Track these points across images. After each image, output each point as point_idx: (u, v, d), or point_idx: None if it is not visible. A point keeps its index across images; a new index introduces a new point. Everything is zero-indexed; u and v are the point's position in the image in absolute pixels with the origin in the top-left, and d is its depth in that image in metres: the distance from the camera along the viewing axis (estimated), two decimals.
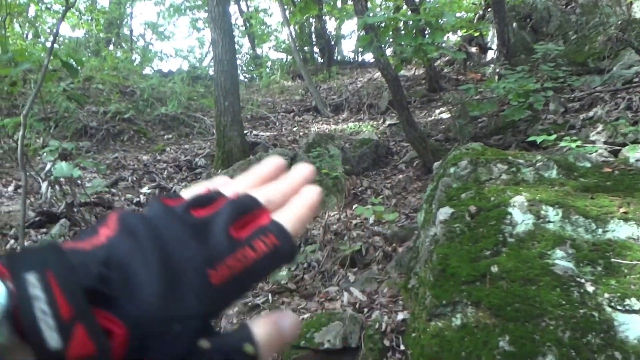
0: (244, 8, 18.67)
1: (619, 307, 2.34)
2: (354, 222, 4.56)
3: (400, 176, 5.80)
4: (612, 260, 2.47)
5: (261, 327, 0.34)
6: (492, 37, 9.71)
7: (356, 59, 17.25)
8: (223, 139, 6.98)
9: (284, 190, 0.40)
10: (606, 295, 2.38)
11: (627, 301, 2.33)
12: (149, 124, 9.03)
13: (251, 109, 10.53)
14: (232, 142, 6.94)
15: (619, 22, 7.14)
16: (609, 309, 2.36)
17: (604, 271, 2.48)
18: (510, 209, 2.84)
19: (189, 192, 0.39)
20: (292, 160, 5.78)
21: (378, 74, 11.40)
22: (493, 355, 2.35)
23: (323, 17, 15.61)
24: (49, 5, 14.17)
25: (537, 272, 2.54)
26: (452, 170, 3.31)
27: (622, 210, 2.67)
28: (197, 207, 0.36)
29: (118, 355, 0.29)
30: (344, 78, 13.22)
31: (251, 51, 19.15)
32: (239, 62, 15.29)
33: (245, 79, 16.70)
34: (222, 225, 0.34)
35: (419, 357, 2.55)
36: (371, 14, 6.07)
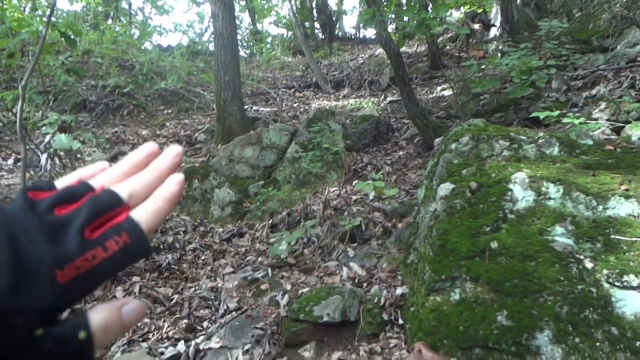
0: None
1: (617, 284, 2.35)
2: (354, 197, 4.56)
3: (401, 153, 5.78)
4: (612, 237, 2.47)
5: (100, 314, 0.36)
6: (495, 14, 9.59)
7: (357, 35, 17.06)
8: (223, 114, 6.94)
9: (148, 181, 0.41)
10: (605, 271, 2.39)
11: (625, 277, 2.34)
12: (148, 98, 8.97)
13: (251, 84, 10.46)
14: (232, 117, 6.90)
15: (624, 0, 7.04)
16: (607, 285, 2.37)
17: (603, 248, 2.48)
18: (511, 186, 2.84)
19: (62, 182, 0.40)
20: (292, 136, 5.76)
21: (379, 51, 11.28)
22: (491, 330, 2.37)
23: None
24: None
25: (537, 248, 2.55)
26: (453, 146, 3.30)
27: (623, 187, 2.67)
28: (60, 204, 0.37)
29: None
30: (345, 54, 13.10)
31: (251, 26, 18.95)
32: (239, 37, 15.13)
33: (246, 55, 16.54)
34: (77, 227, 0.36)
35: (417, 331, 2.57)
36: None
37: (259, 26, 18.96)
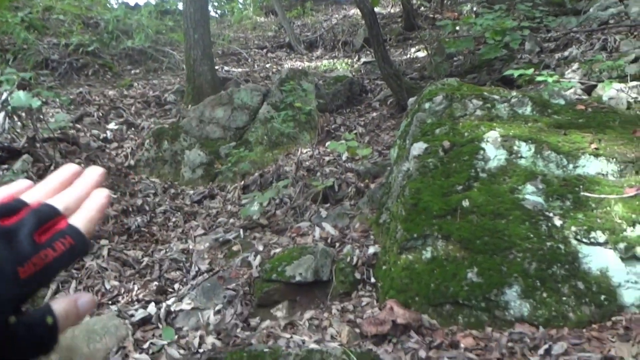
0: None
1: (584, 240, 2.39)
2: (327, 158, 4.52)
3: (374, 114, 5.74)
4: (581, 194, 2.50)
5: (60, 305, 0.43)
6: None
7: None
8: (193, 74, 6.74)
9: (78, 195, 0.48)
10: (573, 228, 2.43)
11: (593, 234, 2.38)
12: (114, 57, 8.63)
13: (222, 44, 10.17)
14: (202, 77, 6.71)
15: None
16: (574, 242, 2.41)
17: (572, 205, 2.51)
18: (483, 145, 2.83)
19: None
20: (264, 96, 5.64)
21: (353, 11, 11.07)
22: (461, 287, 2.40)
23: None
24: None
25: (507, 207, 2.56)
26: (427, 105, 3.26)
27: (593, 146, 2.69)
28: (3, 217, 0.43)
29: None
30: (318, 15, 12.81)
31: None
32: None
33: (217, 14, 16.03)
34: (26, 232, 0.42)
35: (389, 289, 2.58)
36: None
37: None
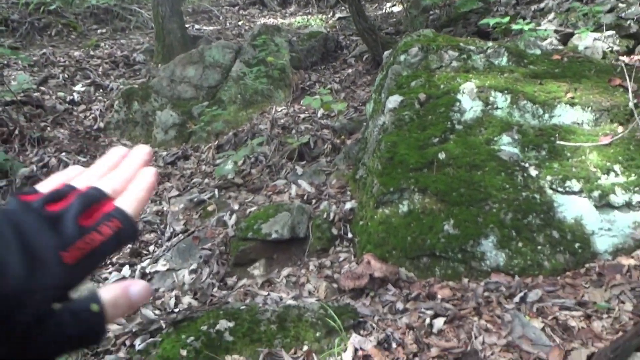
0: None
1: (559, 189, 2.40)
2: (302, 116, 4.44)
3: (350, 70, 5.63)
4: (557, 144, 2.49)
5: (109, 292, 0.41)
6: None
7: None
8: (162, 32, 6.50)
9: (125, 177, 0.47)
10: (548, 178, 2.42)
11: (568, 183, 2.38)
12: (79, 17, 8.27)
13: (192, 1, 9.82)
14: (172, 35, 6.48)
15: None
16: (550, 191, 2.41)
17: (547, 155, 2.50)
18: (459, 96, 2.79)
19: (45, 186, 0.45)
20: (236, 54, 5.48)
21: None
22: (438, 239, 2.39)
23: None
24: None
25: (483, 158, 2.54)
26: (402, 57, 3.19)
27: (569, 95, 2.66)
28: (51, 202, 0.42)
29: None
30: None
31: None
32: None
33: None
34: (72, 216, 0.41)
35: (366, 244, 2.57)
36: None
37: None
